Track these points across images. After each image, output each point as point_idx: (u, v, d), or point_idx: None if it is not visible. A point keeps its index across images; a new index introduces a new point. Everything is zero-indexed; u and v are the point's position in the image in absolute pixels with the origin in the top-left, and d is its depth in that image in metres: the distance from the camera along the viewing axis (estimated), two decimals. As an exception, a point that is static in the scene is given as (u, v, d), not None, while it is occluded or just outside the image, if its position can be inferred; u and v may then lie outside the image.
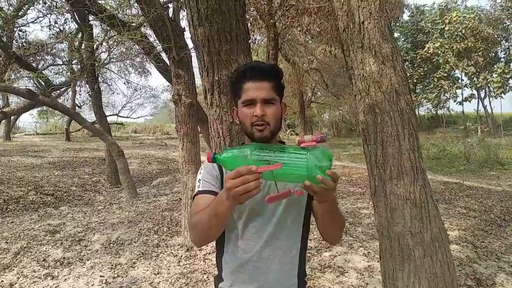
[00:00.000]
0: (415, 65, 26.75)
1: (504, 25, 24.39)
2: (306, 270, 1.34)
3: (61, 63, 10.94)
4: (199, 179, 1.28)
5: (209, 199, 1.17)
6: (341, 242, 4.48)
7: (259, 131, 1.20)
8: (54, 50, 11.11)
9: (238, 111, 1.26)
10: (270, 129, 1.21)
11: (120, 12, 6.77)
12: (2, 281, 3.69)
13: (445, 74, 25.15)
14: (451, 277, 2.13)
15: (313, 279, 3.54)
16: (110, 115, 20.28)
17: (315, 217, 1.29)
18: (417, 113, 29.23)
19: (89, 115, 19.27)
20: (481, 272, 3.60)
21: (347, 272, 3.70)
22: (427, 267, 2.10)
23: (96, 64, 8.42)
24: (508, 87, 24.64)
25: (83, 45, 8.70)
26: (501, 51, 26.34)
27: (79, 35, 9.52)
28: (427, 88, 27.46)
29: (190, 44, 5.05)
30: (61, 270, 3.94)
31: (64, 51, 11.31)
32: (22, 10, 8.96)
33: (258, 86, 1.20)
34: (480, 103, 27.13)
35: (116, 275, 3.80)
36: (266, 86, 1.20)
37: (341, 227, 1.29)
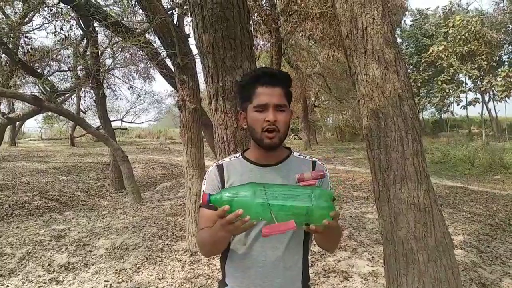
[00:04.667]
0: (419, 69, 26.69)
1: (508, 28, 24.35)
2: (310, 274, 1.35)
3: (66, 69, 11.01)
4: (203, 190, 1.31)
5: (210, 214, 1.21)
6: (345, 247, 4.47)
7: (269, 138, 1.20)
8: (59, 56, 11.18)
9: (248, 116, 1.25)
10: (280, 136, 1.21)
11: (125, 18, 6.84)
12: (7, 286, 3.71)
13: (449, 78, 25.08)
14: (455, 282, 2.13)
15: (317, 284, 3.54)
16: (114, 120, 20.39)
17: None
18: (421, 117, 29.19)
19: (93, 121, 19.37)
20: (486, 277, 3.58)
21: (351, 277, 3.69)
22: (431, 272, 2.10)
23: (101, 70, 8.48)
24: (512, 91, 24.51)
25: (88, 51, 8.79)
26: (505, 54, 26.32)
27: (84, 42, 9.61)
28: (431, 92, 27.37)
29: (195, 50, 5.10)
30: (66, 275, 3.96)
31: (69, 57, 11.38)
32: (28, 17, 9.05)
33: (271, 91, 1.20)
34: (484, 106, 27.02)
35: (120, 280, 3.81)
36: (278, 92, 1.21)
37: (338, 239, 1.31)
